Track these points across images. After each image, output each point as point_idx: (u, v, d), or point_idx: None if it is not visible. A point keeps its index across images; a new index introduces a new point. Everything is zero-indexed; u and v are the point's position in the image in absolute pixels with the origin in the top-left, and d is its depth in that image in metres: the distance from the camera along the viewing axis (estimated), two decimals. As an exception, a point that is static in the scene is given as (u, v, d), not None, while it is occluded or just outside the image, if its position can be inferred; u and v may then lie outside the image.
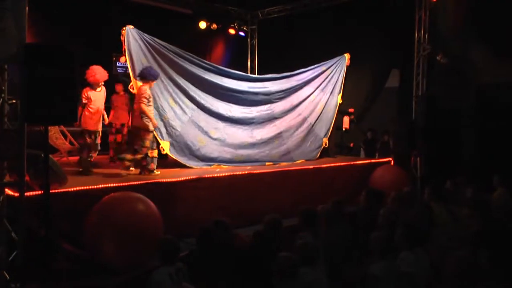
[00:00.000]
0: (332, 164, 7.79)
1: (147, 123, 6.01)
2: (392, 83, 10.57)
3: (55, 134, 7.15)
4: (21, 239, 3.80)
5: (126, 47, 6.30)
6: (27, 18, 3.67)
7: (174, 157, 6.73)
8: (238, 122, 7.65)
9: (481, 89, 8.77)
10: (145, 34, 6.56)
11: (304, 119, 8.48)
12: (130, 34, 6.36)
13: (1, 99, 3.70)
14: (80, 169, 6.20)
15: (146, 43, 6.57)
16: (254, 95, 7.86)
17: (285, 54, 8.26)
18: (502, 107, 8.17)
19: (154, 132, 6.33)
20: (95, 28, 8.82)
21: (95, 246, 4.35)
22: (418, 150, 8.57)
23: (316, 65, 8.65)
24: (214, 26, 10.86)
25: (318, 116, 8.66)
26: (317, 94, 8.65)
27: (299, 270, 3.23)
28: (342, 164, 7.94)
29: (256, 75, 8.12)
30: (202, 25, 10.69)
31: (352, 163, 8.15)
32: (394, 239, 3.66)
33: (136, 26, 6.46)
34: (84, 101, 6.23)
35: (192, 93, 7.13)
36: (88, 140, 6.27)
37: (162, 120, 6.69)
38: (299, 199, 6.35)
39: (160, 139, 6.63)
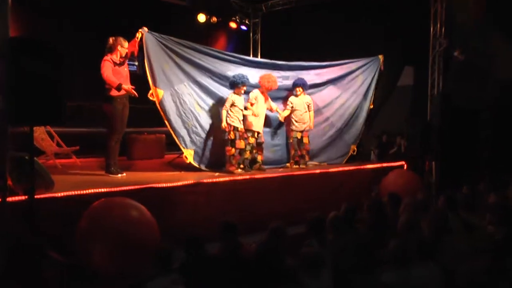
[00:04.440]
0: (340, 169, 7.78)
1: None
2: (405, 81, 10.55)
3: (41, 135, 7.16)
4: (3, 246, 3.79)
5: (145, 54, 6.29)
6: (10, 11, 3.67)
7: (198, 166, 6.74)
8: (267, 124, 7.69)
9: (502, 86, 8.73)
10: (162, 36, 6.51)
11: (332, 125, 8.47)
12: (148, 40, 6.29)
13: (-16, 97, 3.70)
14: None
15: (166, 47, 6.54)
16: (276, 90, 7.82)
17: (289, 50, 8.28)
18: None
19: (177, 140, 6.69)
20: (88, 22, 8.84)
21: (85, 253, 4.35)
22: (433, 153, 8.54)
23: (342, 61, 8.54)
24: (214, 19, 10.88)
25: (349, 121, 8.61)
26: (348, 97, 8.60)
27: (304, 279, 3.23)
28: (350, 168, 7.92)
29: (281, 62, 8.05)
30: (201, 18, 10.69)
31: (361, 167, 8.14)
32: (408, 248, 3.66)
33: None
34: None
35: (220, 94, 7.14)
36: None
37: (185, 127, 6.72)
38: (304, 206, 6.33)
39: (183, 148, 6.68)
